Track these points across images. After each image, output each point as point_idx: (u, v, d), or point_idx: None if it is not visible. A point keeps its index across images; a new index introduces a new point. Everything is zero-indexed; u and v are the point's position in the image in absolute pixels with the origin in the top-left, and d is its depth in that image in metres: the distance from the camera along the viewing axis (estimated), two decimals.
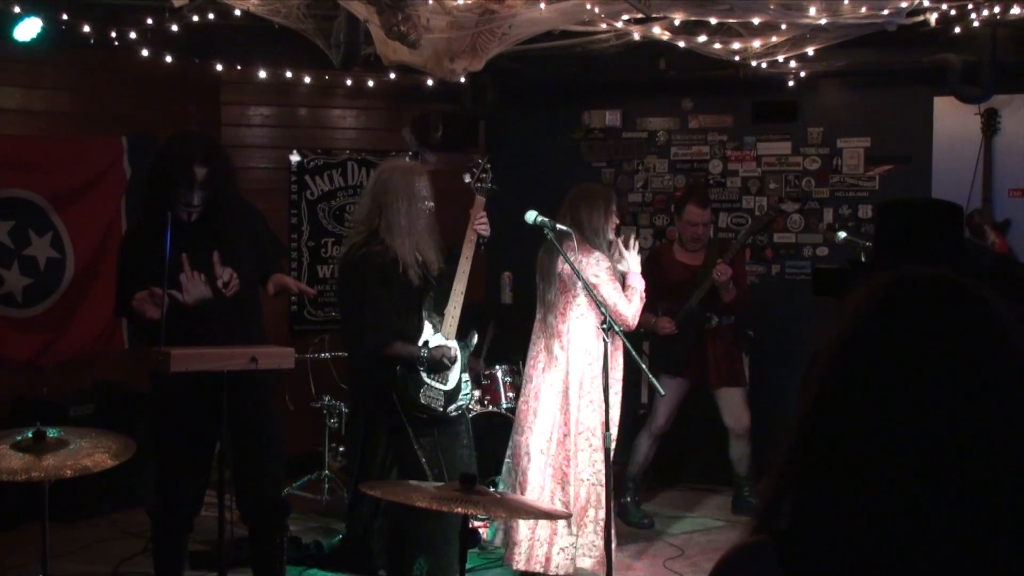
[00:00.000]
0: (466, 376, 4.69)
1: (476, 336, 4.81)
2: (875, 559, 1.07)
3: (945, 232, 2.68)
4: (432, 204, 4.64)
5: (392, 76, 6.89)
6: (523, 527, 5.00)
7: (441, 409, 4.52)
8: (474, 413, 5.98)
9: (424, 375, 4.50)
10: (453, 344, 4.61)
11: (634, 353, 4.67)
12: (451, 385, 4.57)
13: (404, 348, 4.47)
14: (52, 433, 3.51)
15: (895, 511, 1.07)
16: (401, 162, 4.78)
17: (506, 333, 6.96)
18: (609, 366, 4.62)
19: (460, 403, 4.62)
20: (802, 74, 6.78)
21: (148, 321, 4.01)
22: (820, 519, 1.11)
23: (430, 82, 6.75)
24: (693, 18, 5.20)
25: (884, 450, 1.08)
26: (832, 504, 1.11)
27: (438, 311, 4.65)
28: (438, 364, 4.51)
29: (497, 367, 6.35)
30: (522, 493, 5.00)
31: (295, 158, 7.53)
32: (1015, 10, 5.44)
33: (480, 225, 4.74)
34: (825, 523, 1.11)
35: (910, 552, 1.06)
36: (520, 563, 4.99)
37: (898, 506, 1.07)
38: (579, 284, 4.89)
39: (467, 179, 4.79)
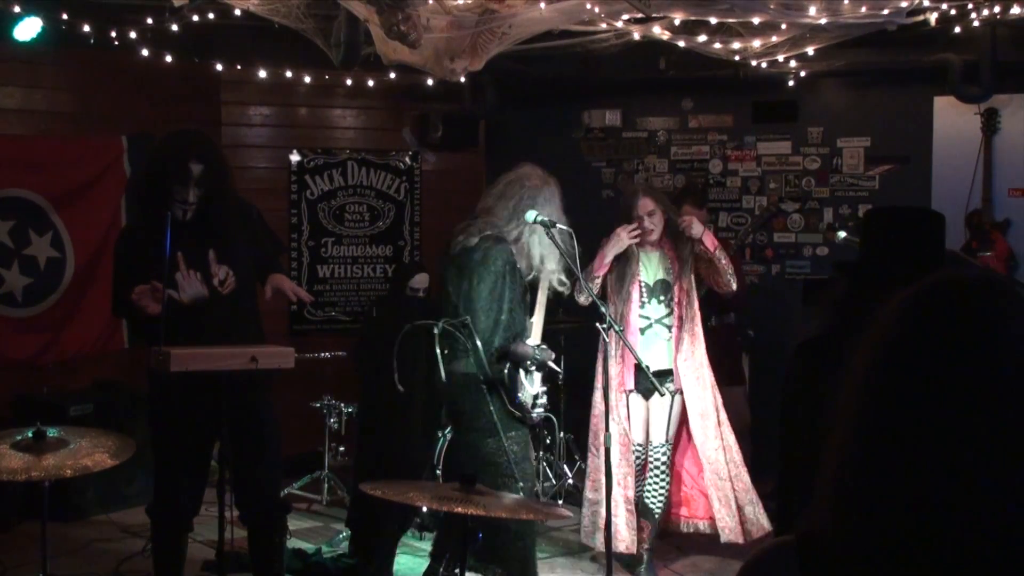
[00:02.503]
0: (543, 387, 4.83)
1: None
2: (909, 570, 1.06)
3: (927, 240, 2.71)
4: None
5: (392, 76, 6.89)
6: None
7: (530, 410, 4.66)
8: None
9: (522, 376, 4.62)
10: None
11: (634, 353, 4.68)
12: (535, 390, 4.71)
13: (524, 348, 4.59)
14: (52, 433, 3.51)
15: (939, 522, 1.04)
16: (540, 171, 4.74)
17: None
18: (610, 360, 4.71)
19: (539, 409, 4.75)
20: (802, 74, 6.78)
21: (147, 316, 4.00)
22: (850, 525, 1.09)
23: (430, 82, 6.75)
24: (693, 18, 5.20)
25: (931, 459, 1.05)
26: (867, 511, 1.08)
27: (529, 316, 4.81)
28: (543, 365, 4.67)
29: None
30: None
31: (295, 158, 7.53)
32: (1015, 10, 5.44)
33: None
34: (858, 530, 1.09)
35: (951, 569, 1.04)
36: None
37: (943, 517, 1.04)
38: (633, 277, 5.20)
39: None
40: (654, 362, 5.14)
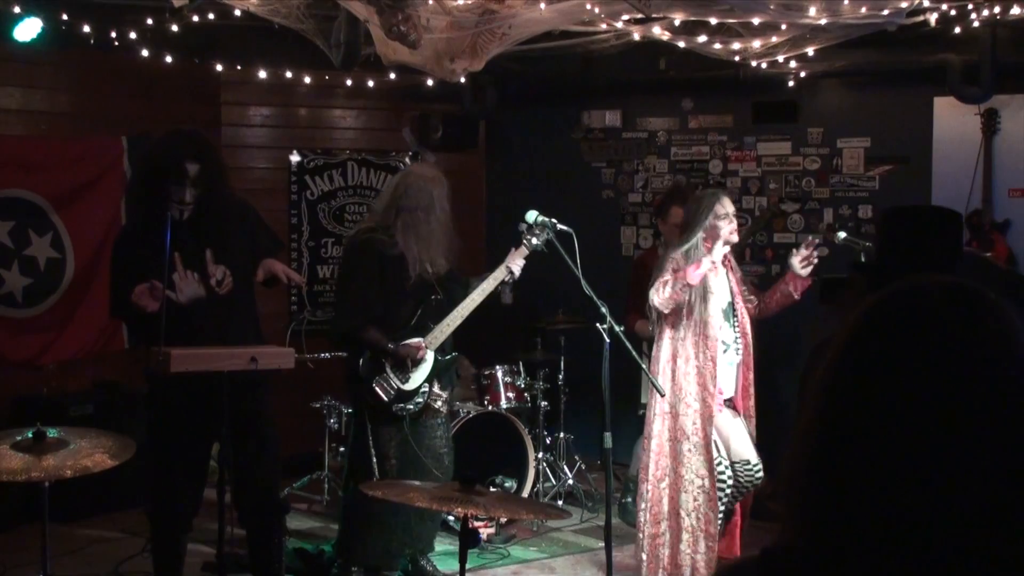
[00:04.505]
0: (428, 386, 4.78)
1: (457, 355, 4.94)
2: None
3: (944, 239, 2.71)
4: (448, 210, 4.73)
5: (392, 76, 6.89)
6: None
7: (386, 401, 4.63)
8: (474, 414, 5.98)
9: (387, 367, 4.62)
10: (429, 355, 4.72)
11: (634, 353, 4.67)
12: (410, 386, 4.69)
13: (375, 336, 4.60)
14: (52, 433, 3.51)
15: (897, 533, 1.02)
16: (427, 170, 4.81)
17: (507, 333, 6.96)
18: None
19: (409, 406, 4.69)
20: (802, 74, 6.77)
21: (146, 316, 4.00)
22: (807, 538, 1.08)
23: (430, 82, 6.74)
24: (693, 18, 5.19)
25: (887, 466, 1.03)
26: (826, 522, 1.07)
27: (440, 318, 4.76)
28: (401, 362, 4.65)
29: (497, 367, 6.34)
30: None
31: (295, 158, 7.53)
32: (1015, 10, 5.44)
33: (515, 264, 4.78)
34: (816, 542, 1.07)
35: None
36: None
37: (901, 527, 1.02)
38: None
39: (524, 227, 4.66)
40: (725, 388, 4.91)
